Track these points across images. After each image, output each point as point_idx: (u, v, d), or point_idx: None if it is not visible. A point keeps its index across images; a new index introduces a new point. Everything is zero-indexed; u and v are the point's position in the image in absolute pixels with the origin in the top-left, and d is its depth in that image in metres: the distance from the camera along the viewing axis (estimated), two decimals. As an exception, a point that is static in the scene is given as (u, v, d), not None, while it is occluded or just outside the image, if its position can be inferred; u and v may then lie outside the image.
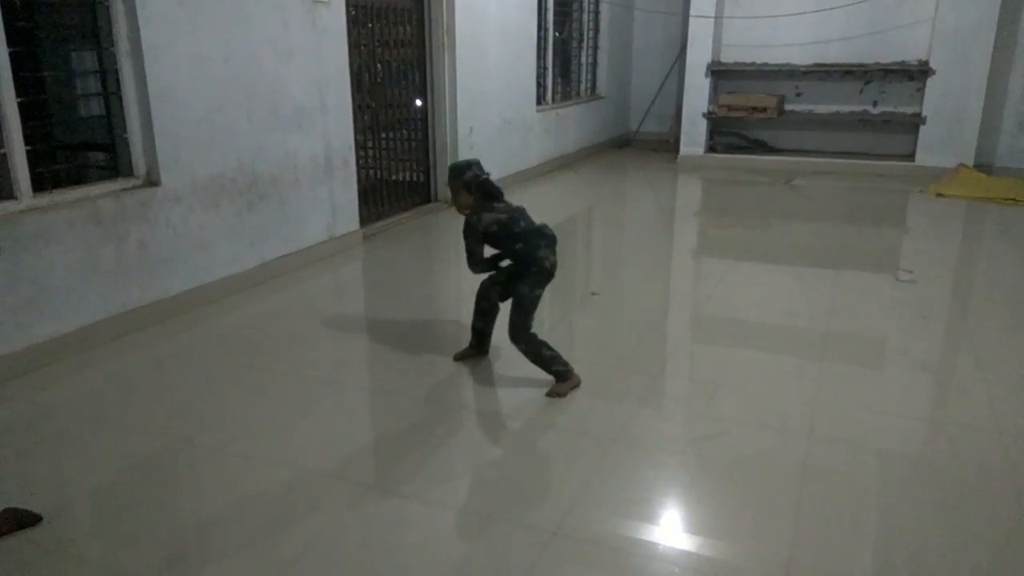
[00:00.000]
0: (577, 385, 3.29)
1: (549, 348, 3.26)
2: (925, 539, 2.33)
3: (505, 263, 3.46)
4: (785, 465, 2.72)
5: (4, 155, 3.40)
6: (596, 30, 9.97)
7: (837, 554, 2.26)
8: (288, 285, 4.74)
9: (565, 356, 3.26)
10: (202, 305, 4.26)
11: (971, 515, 2.44)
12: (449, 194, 3.45)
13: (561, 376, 3.27)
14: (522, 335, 3.24)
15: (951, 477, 2.66)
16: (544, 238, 3.28)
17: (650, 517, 2.45)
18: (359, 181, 5.64)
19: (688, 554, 2.26)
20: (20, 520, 2.34)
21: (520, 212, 3.34)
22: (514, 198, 3.43)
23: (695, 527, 2.40)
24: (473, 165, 3.35)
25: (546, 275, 3.26)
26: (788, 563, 2.21)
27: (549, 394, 3.24)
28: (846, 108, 9.25)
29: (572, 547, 2.29)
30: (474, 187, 3.29)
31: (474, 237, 3.28)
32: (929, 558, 2.24)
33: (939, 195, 7.50)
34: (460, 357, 3.63)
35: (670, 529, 2.40)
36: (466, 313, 4.57)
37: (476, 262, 3.34)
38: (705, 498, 2.55)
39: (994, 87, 8.30)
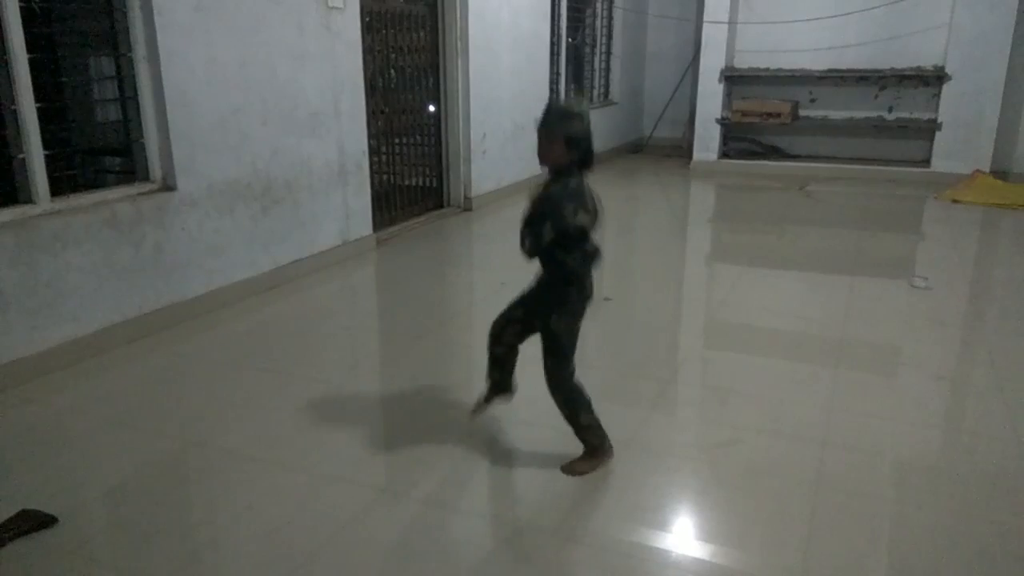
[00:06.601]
0: (604, 463, 2.68)
1: (590, 412, 2.63)
2: (941, 549, 2.30)
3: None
4: (799, 473, 2.70)
5: (23, 160, 3.44)
6: (609, 35, 9.98)
7: (851, 564, 2.24)
8: (302, 289, 4.76)
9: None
10: (217, 309, 4.29)
11: (988, 524, 2.41)
12: (539, 139, 2.45)
13: (591, 450, 2.67)
14: (564, 385, 2.59)
15: (968, 486, 2.63)
16: (598, 252, 2.60)
17: (663, 524, 2.43)
18: (372, 186, 5.67)
19: (701, 562, 2.25)
20: (35, 521, 2.36)
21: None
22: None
23: (708, 535, 2.39)
24: (584, 117, 2.42)
25: (586, 299, 2.57)
26: (802, 572, 2.19)
27: (565, 469, 2.65)
28: (861, 114, 9.20)
29: (585, 554, 2.28)
30: (577, 145, 2.40)
31: (556, 211, 2.41)
32: (945, 569, 2.21)
33: (955, 201, 7.45)
34: (479, 410, 2.94)
35: (683, 536, 2.38)
36: (477, 317, 4.58)
37: (538, 245, 2.43)
38: (718, 505, 2.53)
39: (1011, 92, 8.24)
